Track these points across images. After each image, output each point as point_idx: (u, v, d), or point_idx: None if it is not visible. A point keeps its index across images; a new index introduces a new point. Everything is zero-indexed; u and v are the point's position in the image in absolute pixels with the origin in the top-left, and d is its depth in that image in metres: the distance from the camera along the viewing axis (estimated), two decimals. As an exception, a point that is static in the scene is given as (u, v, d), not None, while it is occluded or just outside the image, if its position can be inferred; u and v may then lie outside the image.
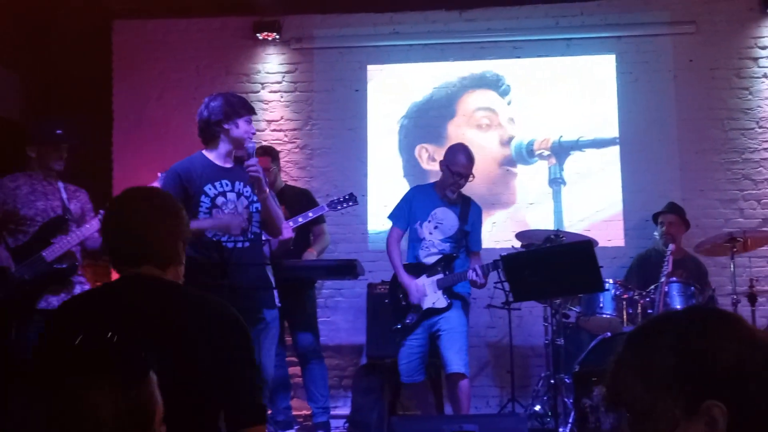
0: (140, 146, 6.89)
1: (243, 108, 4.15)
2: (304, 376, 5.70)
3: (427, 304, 4.99)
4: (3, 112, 6.65)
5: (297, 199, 5.68)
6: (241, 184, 4.15)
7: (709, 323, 1.30)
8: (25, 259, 4.60)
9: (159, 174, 5.04)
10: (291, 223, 4.86)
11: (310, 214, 5.07)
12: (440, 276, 5.02)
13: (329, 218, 5.89)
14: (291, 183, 6.42)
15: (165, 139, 6.79)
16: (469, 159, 5.09)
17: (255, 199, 4.15)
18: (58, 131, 4.79)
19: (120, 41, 7.16)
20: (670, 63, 6.85)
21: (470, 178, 5.09)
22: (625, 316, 5.31)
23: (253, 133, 4.21)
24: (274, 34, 7.03)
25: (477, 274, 4.90)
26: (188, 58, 7.10)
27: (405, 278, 5.09)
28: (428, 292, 5.01)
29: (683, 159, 6.77)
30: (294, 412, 5.85)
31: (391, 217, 5.31)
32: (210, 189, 4.05)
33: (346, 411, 6.02)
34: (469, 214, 5.14)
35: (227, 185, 4.09)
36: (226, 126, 4.08)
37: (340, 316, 6.72)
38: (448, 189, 5.09)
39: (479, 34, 7.01)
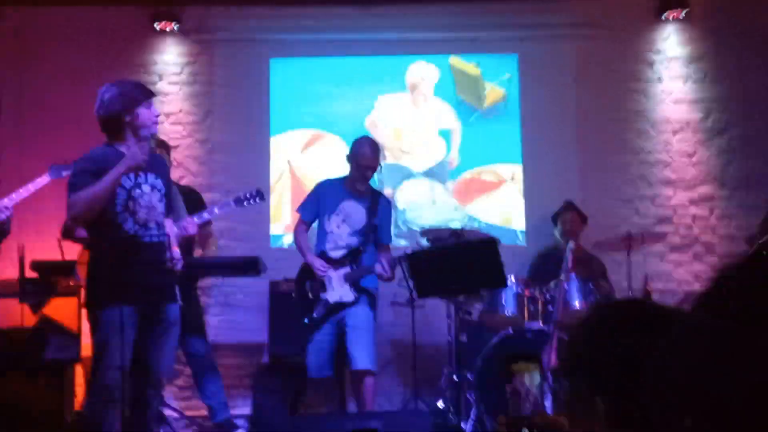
0: (30, 139, 6.68)
1: (141, 94, 4.09)
2: (195, 379, 5.66)
3: (334, 298, 5.06)
4: None
5: (186, 198, 5.63)
6: (154, 176, 4.13)
7: (617, 321, 1.34)
8: None
9: (49, 166, 4.93)
10: (196, 219, 4.80)
11: (216, 210, 5.04)
12: (347, 269, 5.09)
13: (233, 214, 5.86)
14: (191, 178, 6.36)
15: (56, 133, 6.60)
16: (375, 151, 5.20)
17: (165, 191, 4.15)
18: None
19: (5, 28, 6.90)
20: (572, 65, 7.07)
21: (378, 170, 5.19)
22: (526, 313, 5.46)
23: (157, 116, 4.17)
24: (173, 24, 6.92)
25: (383, 268, 4.98)
26: (82, 48, 6.89)
27: (309, 257, 5.17)
28: (335, 285, 5.07)
29: (582, 159, 6.98)
30: (201, 413, 5.83)
31: (299, 209, 5.36)
32: (125, 180, 3.99)
33: (246, 411, 6.00)
34: (378, 207, 5.22)
35: (142, 177, 4.05)
36: (127, 118, 4.02)
37: (240, 315, 6.69)
38: (358, 182, 5.18)
39: (386, 30, 7.10)
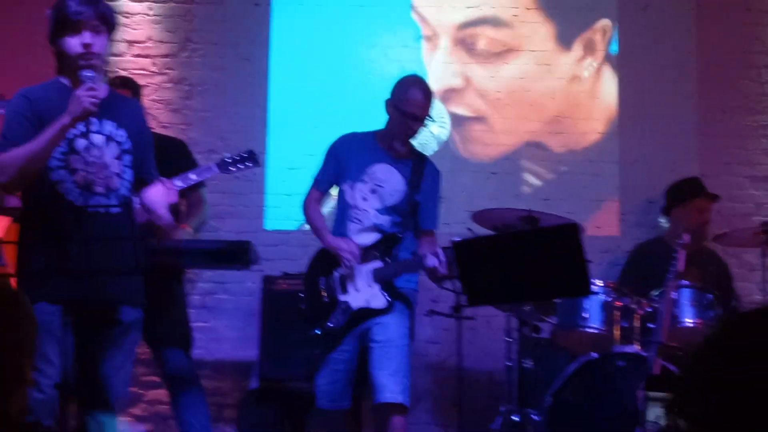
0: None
1: (71, 13, 4.04)
2: (176, 407, 5.69)
3: (358, 303, 4.91)
4: None
5: (166, 153, 5.61)
6: (113, 124, 4.10)
7: (754, 341, 1.36)
8: None
9: None
10: (179, 182, 4.78)
11: (193, 177, 5.01)
12: (378, 264, 5.00)
13: (213, 183, 5.86)
14: (159, 131, 6.35)
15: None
16: (427, 94, 5.04)
17: (130, 147, 4.13)
18: None
19: None
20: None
21: (428, 123, 5.06)
22: (617, 332, 5.41)
23: (86, 44, 4.08)
24: None
25: (440, 260, 4.84)
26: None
27: (330, 239, 5.01)
28: (360, 285, 4.97)
29: (704, 121, 6.94)
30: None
31: (316, 176, 5.20)
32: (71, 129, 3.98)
33: (227, 453, 6.04)
34: (423, 177, 5.06)
35: (95, 125, 4.03)
36: (58, 44, 4.00)
37: (222, 322, 6.71)
38: (397, 139, 5.05)
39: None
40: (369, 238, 5.00)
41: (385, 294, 4.89)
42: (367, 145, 5.10)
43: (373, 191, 4.98)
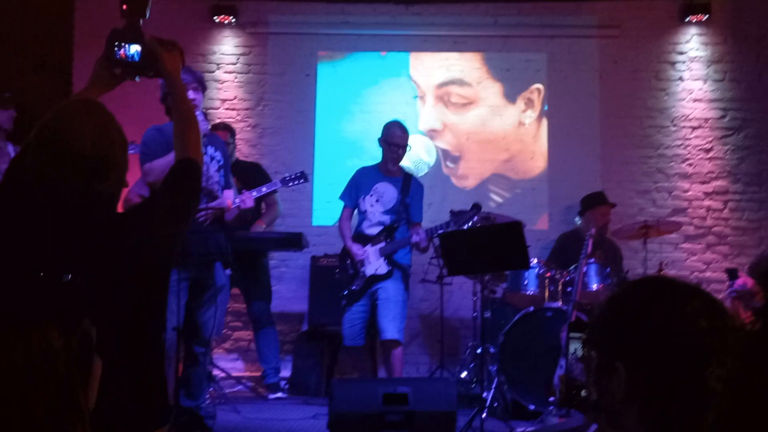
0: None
1: (188, 77, 4.04)
2: (257, 340, 5.72)
3: (370, 271, 5.02)
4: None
5: (249, 172, 5.68)
6: (213, 148, 4.14)
7: (640, 297, 1.34)
8: None
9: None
10: (255, 193, 4.80)
11: (264, 189, 5.02)
12: (382, 244, 5.06)
13: (279, 194, 5.87)
14: (243, 159, 6.36)
15: (122, 112, 6.62)
16: (403, 131, 5.20)
17: (223, 163, 4.18)
18: (7, 93, 4.75)
19: (82, 17, 6.94)
20: (596, 63, 6.96)
21: (408, 149, 5.16)
22: (546, 293, 5.38)
23: (192, 101, 4.06)
24: (231, 17, 6.93)
25: (420, 237, 4.94)
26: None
27: (348, 243, 5.14)
28: (371, 259, 5.04)
29: (604, 152, 6.88)
30: (245, 374, 5.88)
31: (341, 197, 5.32)
32: None
33: (286, 374, 6.01)
34: (410, 187, 5.18)
35: (207, 149, 4.10)
36: (168, 101, 3.99)
37: (284, 286, 6.67)
38: (389, 162, 5.16)
39: (423, 27, 7.02)
40: (376, 230, 5.10)
41: (387, 264, 5.01)
42: (372, 172, 5.26)
43: (378, 200, 5.12)
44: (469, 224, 5.01)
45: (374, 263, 5.03)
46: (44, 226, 1.92)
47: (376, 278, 5.01)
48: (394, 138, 5.13)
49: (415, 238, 4.95)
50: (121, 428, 1.80)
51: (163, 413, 2.01)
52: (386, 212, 5.11)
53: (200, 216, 4.12)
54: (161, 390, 2.03)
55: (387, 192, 5.14)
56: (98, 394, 1.37)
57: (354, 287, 5.06)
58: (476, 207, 5.06)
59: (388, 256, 5.02)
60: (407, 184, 5.18)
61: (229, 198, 4.30)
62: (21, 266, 1.88)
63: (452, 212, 5.18)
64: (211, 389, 5.21)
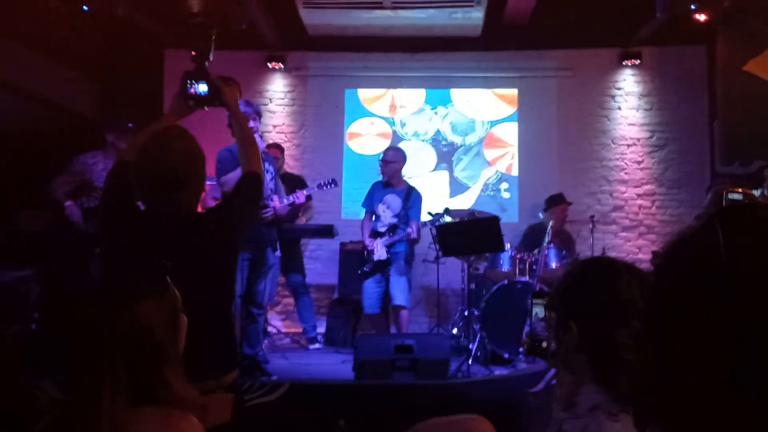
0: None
1: (249, 108, 4.05)
2: (297, 306, 5.71)
3: (376, 258, 5.06)
4: (77, 106, 6.47)
5: (294, 180, 5.68)
6: (267, 163, 4.19)
7: (588, 272, 1.35)
8: (91, 219, 4.50)
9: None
10: (305, 192, 4.84)
11: (305, 192, 5.03)
12: (386, 238, 5.07)
13: (315, 195, 5.87)
14: (289, 171, 6.36)
15: (197, 134, 6.63)
16: (394, 150, 5.29)
17: (274, 174, 4.24)
18: (130, 124, 4.72)
19: (170, 65, 6.96)
20: (555, 97, 6.91)
21: (395, 165, 5.16)
22: (517, 270, 5.35)
23: (252, 128, 4.05)
24: (280, 63, 6.94)
25: (411, 230, 4.94)
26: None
27: (364, 238, 5.17)
28: (378, 249, 5.05)
29: (561, 164, 6.84)
30: (290, 330, 5.88)
31: (363, 205, 5.37)
32: None
33: (322, 330, 6.02)
34: (411, 196, 5.16)
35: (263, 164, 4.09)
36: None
37: (320, 264, 6.69)
38: (383, 175, 5.21)
39: (425, 70, 6.99)
40: (385, 228, 5.11)
41: (387, 252, 5.03)
42: (382, 185, 5.24)
43: (387, 207, 5.09)
44: (439, 222, 4.97)
45: (379, 252, 5.05)
46: (142, 224, 1.93)
47: (381, 262, 5.04)
48: (385, 156, 5.24)
49: (408, 231, 4.96)
50: (209, 370, 1.81)
51: (236, 359, 2.03)
52: (394, 216, 5.13)
53: (266, 212, 4.13)
54: (234, 342, 2.06)
55: (394, 201, 5.15)
56: (188, 345, 1.38)
57: (366, 268, 5.09)
58: (446, 210, 5.05)
59: (388, 246, 5.04)
60: (409, 194, 5.16)
61: (276, 201, 4.31)
62: (126, 255, 1.90)
63: (446, 210, 5.18)
64: (266, 342, 5.22)
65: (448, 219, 5.19)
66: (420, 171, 6.85)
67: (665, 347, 0.61)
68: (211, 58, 2.22)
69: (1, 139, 6.21)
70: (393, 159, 5.15)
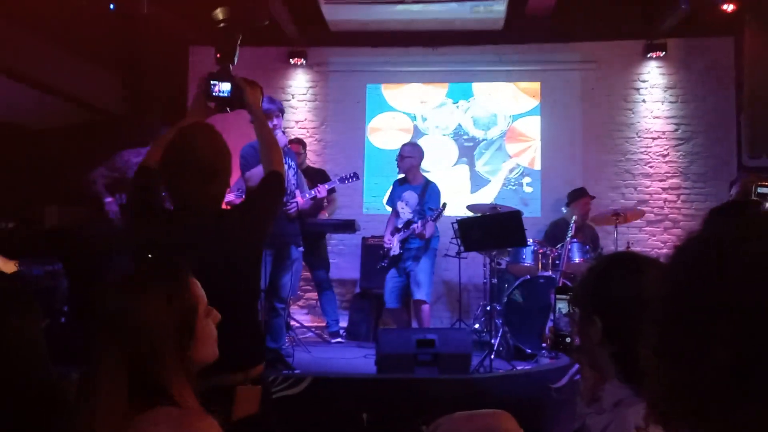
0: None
1: (264, 109, 4.05)
2: (320, 300, 5.74)
3: (392, 253, 5.08)
4: (103, 103, 6.56)
5: (316, 174, 5.71)
6: (289, 158, 4.20)
7: (612, 267, 1.34)
8: (126, 215, 4.55)
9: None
10: (327, 186, 4.86)
11: (327, 186, 5.04)
12: (400, 234, 5.09)
13: (337, 190, 5.89)
14: (311, 165, 6.39)
15: (224, 135, 6.68)
16: (411, 146, 5.26)
17: (296, 169, 4.25)
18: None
19: (195, 61, 7.03)
20: (579, 90, 6.83)
21: (411, 160, 5.14)
22: (540, 265, 5.31)
23: (275, 127, 4.03)
24: (302, 60, 6.96)
25: (417, 227, 4.93)
26: (242, 75, 6.95)
27: (385, 234, 5.21)
28: (394, 245, 5.07)
29: (585, 157, 6.77)
30: (314, 324, 5.91)
31: (386, 203, 5.41)
32: None
33: (344, 324, 6.04)
34: (427, 191, 5.12)
35: (286, 159, 4.10)
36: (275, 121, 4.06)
37: (342, 259, 6.71)
38: (399, 170, 5.21)
39: (446, 64, 6.96)
40: (402, 224, 5.10)
41: (400, 248, 5.05)
42: (400, 183, 5.25)
43: (406, 203, 5.10)
44: (437, 216, 4.92)
45: (396, 247, 5.07)
46: (171, 220, 1.96)
47: (395, 257, 5.05)
48: (401, 151, 5.21)
49: (414, 227, 4.95)
50: (236, 363, 1.82)
51: (263, 353, 2.04)
52: (411, 212, 5.13)
53: (290, 208, 4.15)
54: (261, 335, 2.07)
55: (411, 197, 5.15)
56: (219, 337, 1.38)
57: (384, 263, 5.10)
58: (444, 205, 5.02)
59: (402, 241, 5.06)
60: (425, 189, 5.13)
61: (299, 196, 4.33)
62: (152, 250, 1.92)
63: (468, 206, 5.18)
64: (290, 335, 5.26)
65: (447, 214, 5.18)
66: (441, 166, 6.83)
67: (672, 343, 0.60)
68: (235, 62, 2.23)
69: (28, 136, 6.33)
70: (409, 154, 5.13)
